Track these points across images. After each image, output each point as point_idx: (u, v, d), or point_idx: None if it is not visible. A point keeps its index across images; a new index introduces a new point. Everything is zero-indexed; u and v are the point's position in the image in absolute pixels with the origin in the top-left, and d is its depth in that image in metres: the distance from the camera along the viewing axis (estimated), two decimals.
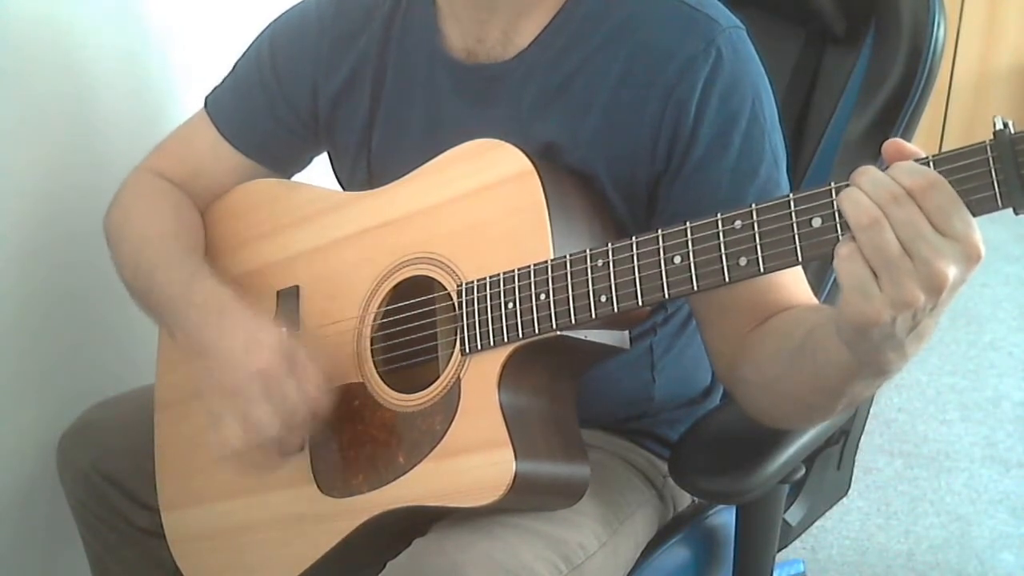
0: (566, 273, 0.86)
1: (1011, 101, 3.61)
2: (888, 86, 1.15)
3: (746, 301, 0.94)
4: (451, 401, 0.92)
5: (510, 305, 0.89)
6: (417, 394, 0.95)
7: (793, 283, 0.95)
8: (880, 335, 0.72)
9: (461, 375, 0.92)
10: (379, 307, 1.00)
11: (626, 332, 0.94)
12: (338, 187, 1.17)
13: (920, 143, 0.74)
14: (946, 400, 2.49)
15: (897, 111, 1.15)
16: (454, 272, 0.94)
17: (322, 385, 0.95)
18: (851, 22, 1.22)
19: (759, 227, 0.76)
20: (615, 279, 0.84)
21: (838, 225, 0.72)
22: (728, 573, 1.14)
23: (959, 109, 3.62)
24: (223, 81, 1.19)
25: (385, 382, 0.99)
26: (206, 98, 1.19)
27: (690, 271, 0.80)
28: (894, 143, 0.71)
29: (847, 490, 1.33)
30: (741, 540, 1.12)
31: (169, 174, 1.18)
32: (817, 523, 1.36)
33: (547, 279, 0.87)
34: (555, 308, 0.87)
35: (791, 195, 0.75)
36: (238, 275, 1.12)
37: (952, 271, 0.68)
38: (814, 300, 0.97)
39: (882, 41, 1.18)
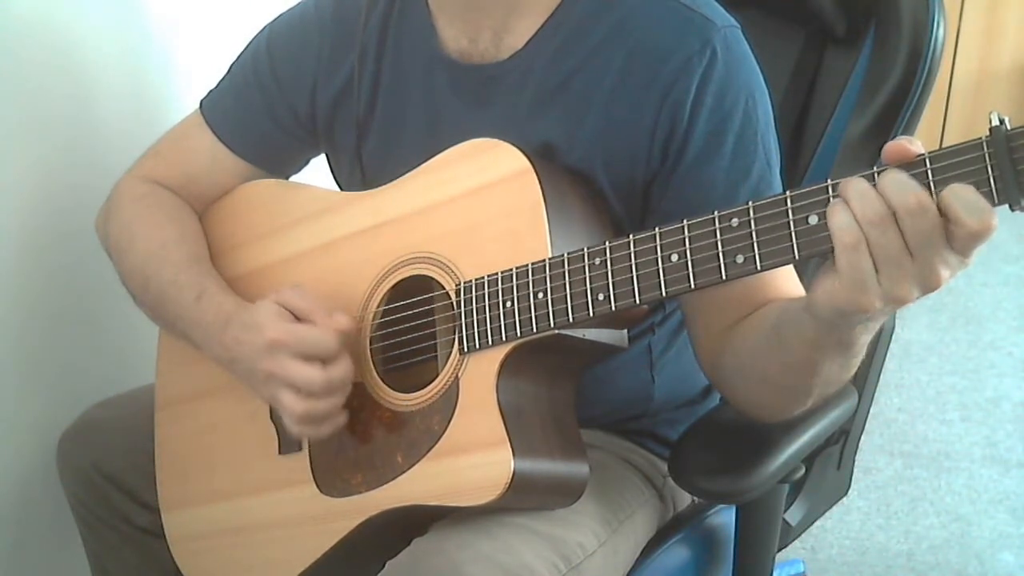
0: (564, 272, 0.86)
1: (1011, 101, 3.61)
2: (888, 86, 1.15)
3: (738, 297, 0.94)
4: (449, 400, 0.92)
5: (508, 304, 0.89)
6: (416, 393, 0.95)
7: (784, 279, 0.95)
8: (858, 318, 0.75)
9: (460, 374, 0.92)
10: (378, 307, 1.00)
11: (624, 331, 0.94)
12: (336, 188, 1.18)
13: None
14: (946, 400, 2.49)
15: (897, 111, 1.15)
16: (452, 271, 0.94)
17: (328, 309, 0.96)
18: (851, 22, 1.22)
19: (756, 225, 0.76)
20: (613, 278, 0.84)
21: None
22: (728, 573, 1.14)
23: (959, 109, 3.62)
24: (218, 84, 1.19)
25: (384, 382, 0.99)
26: (201, 101, 1.19)
27: (687, 269, 0.80)
28: (897, 146, 0.70)
29: (847, 490, 1.33)
30: (741, 540, 1.11)
31: (165, 180, 1.18)
32: (817, 523, 1.36)
33: (545, 278, 0.87)
34: (553, 307, 0.87)
35: (788, 193, 0.75)
36: (237, 276, 1.12)
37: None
38: (803, 294, 0.97)
39: (882, 41, 1.18)
